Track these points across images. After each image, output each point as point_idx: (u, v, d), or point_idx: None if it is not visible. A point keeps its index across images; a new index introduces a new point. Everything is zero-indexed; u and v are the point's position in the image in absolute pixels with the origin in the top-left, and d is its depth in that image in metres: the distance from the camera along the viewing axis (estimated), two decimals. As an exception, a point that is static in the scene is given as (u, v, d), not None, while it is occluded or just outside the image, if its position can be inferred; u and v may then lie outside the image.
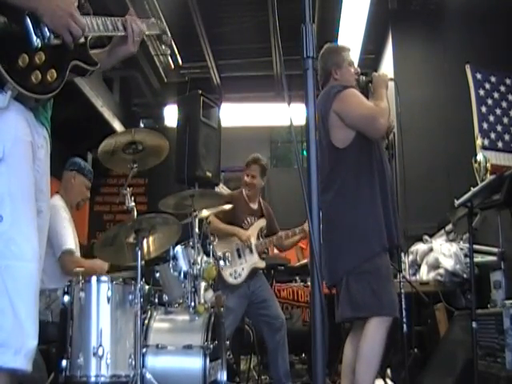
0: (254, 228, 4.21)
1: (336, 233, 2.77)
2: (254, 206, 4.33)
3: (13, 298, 1.46)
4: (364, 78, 3.06)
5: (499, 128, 5.55)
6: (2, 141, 1.51)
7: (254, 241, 4.16)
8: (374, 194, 2.81)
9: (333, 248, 2.74)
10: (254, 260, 4.10)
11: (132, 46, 1.86)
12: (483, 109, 5.54)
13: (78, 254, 3.50)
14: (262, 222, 4.27)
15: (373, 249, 2.74)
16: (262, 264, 4.17)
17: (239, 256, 4.08)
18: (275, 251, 5.26)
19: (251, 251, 4.12)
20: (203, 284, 3.22)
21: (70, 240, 3.43)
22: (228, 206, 3.90)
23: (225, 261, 3.69)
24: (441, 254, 4.03)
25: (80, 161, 3.74)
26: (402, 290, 2.89)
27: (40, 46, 1.57)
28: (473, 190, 3.08)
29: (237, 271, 4.01)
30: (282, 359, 4.04)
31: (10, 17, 1.53)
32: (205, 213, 3.62)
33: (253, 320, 4.45)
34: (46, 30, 1.58)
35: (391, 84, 3.10)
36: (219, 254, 3.71)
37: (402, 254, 3.23)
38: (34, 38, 1.55)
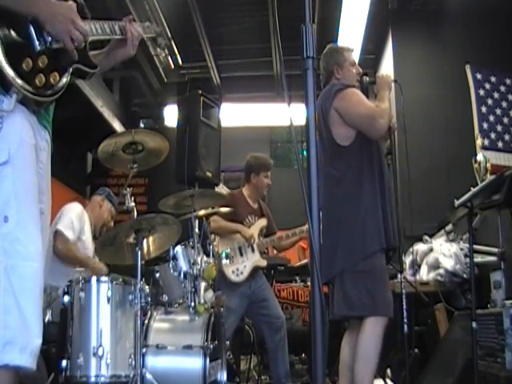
0: (256, 227, 4.21)
1: (334, 229, 2.77)
2: (255, 205, 4.33)
3: (18, 296, 1.47)
4: (367, 78, 3.06)
5: (499, 128, 5.54)
6: (8, 143, 1.54)
7: (256, 239, 4.17)
8: (374, 194, 2.82)
9: (330, 245, 2.74)
10: (255, 258, 4.10)
11: (131, 49, 1.92)
12: (483, 109, 5.54)
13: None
14: (262, 222, 4.28)
15: (370, 247, 2.75)
16: (264, 263, 4.17)
17: (241, 254, 4.08)
18: (274, 252, 5.26)
19: (253, 250, 4.12)
20: (203, 284, 3.22)
21: (68, 226, 3.55)
22: (225, 209, 3.92)
23: (227, 258, 3.70)
24: (441, 254, 4.02)
25: (110, 190, 4.12)
26: (403, 290, 2.88)
27: (42, 49, 1.59)
28: (473, 189, 3.08)
29: (239, 269, 4.01)
30: (282, 359, 4.04)
31: (14, 23, 1.55)
32: (202, 212, 3.63)
33: (253, 320, 4.45)
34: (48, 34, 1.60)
35: (393, 85, 3.10)
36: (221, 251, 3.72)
37: (402, 254, 3.22)
38: (37, 42, 1.58)
